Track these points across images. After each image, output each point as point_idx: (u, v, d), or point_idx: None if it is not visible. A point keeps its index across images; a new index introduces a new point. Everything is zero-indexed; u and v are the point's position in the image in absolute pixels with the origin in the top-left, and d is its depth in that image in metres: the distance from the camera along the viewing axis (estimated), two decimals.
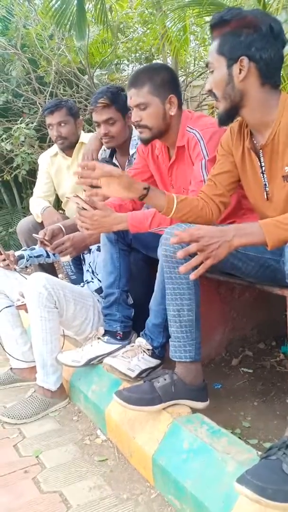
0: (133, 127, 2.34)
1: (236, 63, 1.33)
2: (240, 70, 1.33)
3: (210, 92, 1.41)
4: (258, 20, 1.31)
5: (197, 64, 4.64)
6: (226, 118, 1.42)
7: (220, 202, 1.55)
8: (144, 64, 3.93)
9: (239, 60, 1.32)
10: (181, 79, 4.28)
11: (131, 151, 2.30)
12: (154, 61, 4.26)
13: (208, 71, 1.41)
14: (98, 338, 1.91)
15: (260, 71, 1.34)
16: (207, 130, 1.71)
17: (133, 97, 1.74)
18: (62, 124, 2.61)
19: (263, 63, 1.33)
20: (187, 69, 4.49)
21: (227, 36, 1.33)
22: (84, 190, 2.19)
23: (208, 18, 3.04)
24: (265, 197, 1.47)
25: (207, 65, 1.41)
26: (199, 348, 1.51)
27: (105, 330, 1.91)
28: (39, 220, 2.69)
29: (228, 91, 1.36)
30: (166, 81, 1.74)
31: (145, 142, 1.82)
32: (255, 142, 1.45)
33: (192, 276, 1.24)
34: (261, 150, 1.42)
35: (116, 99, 2.20)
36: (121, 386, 1.74)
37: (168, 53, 3.66)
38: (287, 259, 1.18)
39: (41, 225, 2.63)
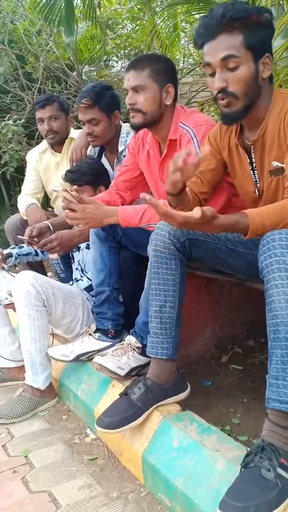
0: (122, 124, 2.33)
1: (260, 59, 1.29)
2: (264, 66, 1.30)
3: (223, 90, 1.30)
4: (271, 18, 1.30)
5: (187, 61, 4.64)
6: (239, 117, 1.35)
7: (203, 199, 1.55)
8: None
9: (264, 57, 1.29)
10: None
11: (120, 148, 2.29)
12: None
13: (210, 68, 1.32)
14: (90, 334, 1.90)
15: (271, 68, 1.32)
16: (200, 127, 1.70)
17: (131, 79, 1.72)
18: (53, 119, 2.60)
19: (272, 59, 1.32)
20: (177, 66, 4.48)
21: (253, 29, 1.27)
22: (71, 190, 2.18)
23: (197, 15, 3.04)
24: (256, 193, 1.46)
25: (225, 59, 1.28)
26: (177, 347, 1.50)
27: (97, 328, 1.90)
28: (26, 218, 2.67)
29: (253, 88, 1.30)
30: (166, 70, 1.75)
31: (136, 128, 1.80)
32: (244, 138, 1.43)
33: None
34: (252, 146, 1.40)
35: (100, 99, 2.18)
36: (110, 385, 1.74)
37: (157, 49, 3.64)
38: (260, 254, 1.19)
39: (28, 223, 2.60)
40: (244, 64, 1.28)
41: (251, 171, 1.44)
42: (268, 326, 1.17)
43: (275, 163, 1.35)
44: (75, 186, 1.78)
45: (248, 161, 1.43)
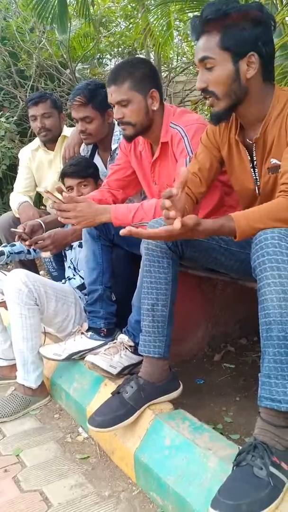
0: (115, 122, 2.32)
1: (243, 58, 1.27)
2: (248, 66, 1.28)
3: (204, 90, 1.31)
4: (263, 14, 1.27)
5: (180, 60, 4.64)
6: (224, 117, 1.36)
7: (200, 198, 1.54)
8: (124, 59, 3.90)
9: (248, 56, 1.27)
10: (163, 74, 4.27)
11: (113, 147, 2.28)
12: (135, 56, 4.23)
13: (197, 67, 1.33)
14: (82, 333, 1.90)
15: (264, 67, 1.30)
16: (191, 126, 1.70)
17: (113, 94, 1.70)
18: (46, 116, 2.59)
19: (268, 58, 1.29)
20: (170, 65, 4.48)
21: (230, 29, 1.25)
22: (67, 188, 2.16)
23: (191, 14, 3.04)
24: (257, 191, 1.45)
25: (202, 61, 1.29)
26: (169, 346, 1.50)
27: (89, 327, 1.90)
28: (18, 216, 2.65)
29: (234, 88, 1.29)
30: (147, 76, 1.72)
31: (129, 139, 1.79)
32: (245, 136, 1.42)
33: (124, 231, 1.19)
34: (254, 144, 1.39)
35: (94, 97, 2.17)
36: (102, 383, 1.73)
37: (150, 48, 3.64)
38: (252, 253, 1.19)
39: (20, 221, 2.59)
40: (219, 65, 1.28)
41: (252, 169, 1.43)
42: (260, 324, 1.17)
43: (274, 161, 1.34)
44: (58, 186, 1.76)
45: (249, 159, 1.43)
